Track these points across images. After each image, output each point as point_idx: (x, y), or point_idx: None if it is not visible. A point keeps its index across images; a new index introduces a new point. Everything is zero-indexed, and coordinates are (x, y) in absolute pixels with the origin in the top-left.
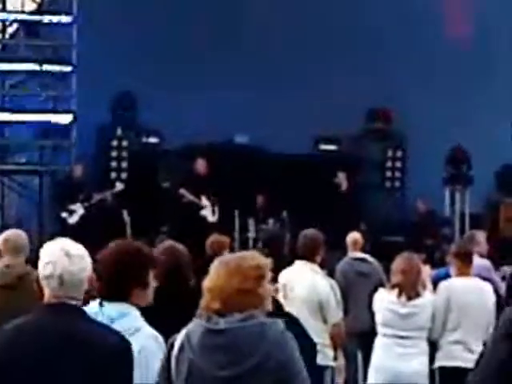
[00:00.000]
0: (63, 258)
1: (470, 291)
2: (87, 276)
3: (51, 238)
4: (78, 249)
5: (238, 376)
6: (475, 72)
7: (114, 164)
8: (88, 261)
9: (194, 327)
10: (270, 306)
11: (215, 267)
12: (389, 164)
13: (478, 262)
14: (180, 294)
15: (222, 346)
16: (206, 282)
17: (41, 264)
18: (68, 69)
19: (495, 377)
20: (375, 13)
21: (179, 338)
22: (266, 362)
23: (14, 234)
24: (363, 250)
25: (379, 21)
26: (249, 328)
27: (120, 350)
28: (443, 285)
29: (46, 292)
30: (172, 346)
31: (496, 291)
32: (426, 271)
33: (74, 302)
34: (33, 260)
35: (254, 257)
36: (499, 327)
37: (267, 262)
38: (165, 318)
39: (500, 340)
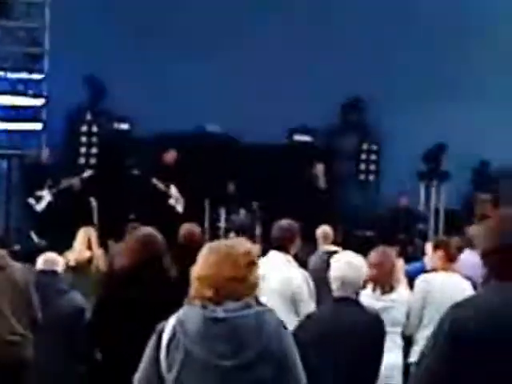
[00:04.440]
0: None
1: (449, 287)
2: None
3: (18, 226)
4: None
5: (240, 365)
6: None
7: (83, 149)
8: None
9: (188, 314)
10: (258, 293)
11: (205, 255)
12: (363, 157)
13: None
14: (159, 281)
15: (223, 335)
16: (197, 270)
17: None
18: (39, 51)
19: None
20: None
21: (169, 326)
22: (266, 350)
23: None
24: (335, 244)
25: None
26: (248, 317)
27: None
28: (421, 279)
29: None
30: (161, 334)
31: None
32: (400, 265)
33: None
34: None
35: (244, 244)
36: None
37: (256, 248)
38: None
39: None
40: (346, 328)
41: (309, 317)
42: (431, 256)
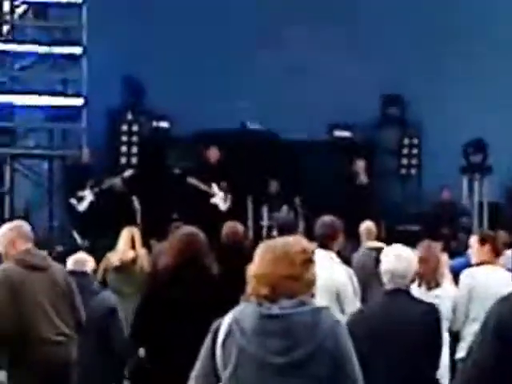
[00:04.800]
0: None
1: (494, 281)
2: None
3: (60, 226)
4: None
5: (293, 363)
6: (491, 57)
7: (124, 149)
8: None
9: (244, 312)
10: (314, 291)
11: (261, 253)
12: (405, 151)
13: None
14: (201, 280)
15: (278, 331)
16: (253, 269)
17: None
18: (78, 51)
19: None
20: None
21: (225, 323)
22: (321, 348)
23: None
24: (378, 240)
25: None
26: (303, 314)
27: None
28: (466, 273)
29: None
30: (217, 332)
31: None
32: (445, 260)
33: None
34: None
35: (300, 241)
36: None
37: (312, 246)
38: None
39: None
40: (397, 319)
41: (361, 311)
42: (477, 250)
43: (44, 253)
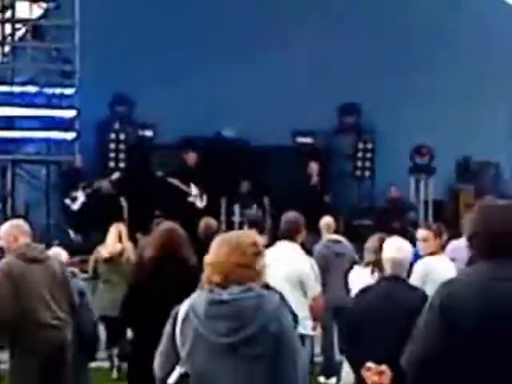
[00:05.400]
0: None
1: (442, 269)
2: None
3: (56, 223)
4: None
5: (238, 342)
6: (438, 72)
7: (112, 155)
8: None
9: (198, 299)
10: (264, 280)
11: (217, 244)
12: (360, 155)
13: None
14: (180, 271)
15: (226, 315)
16: (209, 258)
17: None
18: (71, 68)
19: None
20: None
21: (183, 309)
22: (264, 329)
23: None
24: (336, 233)
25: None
26: (249, 299)
27: None
28: (420, 262)
29: None
30: (176, 317)
31: None
32: None
33: None
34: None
35: (251, 235)
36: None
37: (262, 239)
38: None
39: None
40: (396, 301)
41: (363, 291)
42: (430, 242)
43: (42, 246)
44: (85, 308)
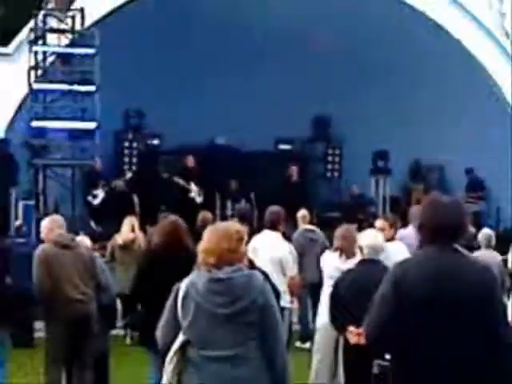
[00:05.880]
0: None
1: (398, 252)
2: None
3: (81, 217)
4: None
5: (234, 313)
6: (400, 87)
7: (126, 159)
8: None
9: (197, 277)
10: (246, 261)
11: (209, 233)
12: (329, 159)
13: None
14: (182, 255)
15: (222, 291)
16: (203, 244)
17: None
18: (92, 88)
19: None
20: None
21: (183, 286)
22: (253, 303)
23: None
24: (310, 223)
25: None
26: (241, 277)
27: None
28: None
29: None
30: (177, 292)
31: None
32: (358, 237)
33: None
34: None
35: (235, 225)
36: (388, 280)
37: (245, 228)
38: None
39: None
40: (373, 278)
41: (348, 271)
42: (383, 231)
43: (72, 236)
44: (106, 286)
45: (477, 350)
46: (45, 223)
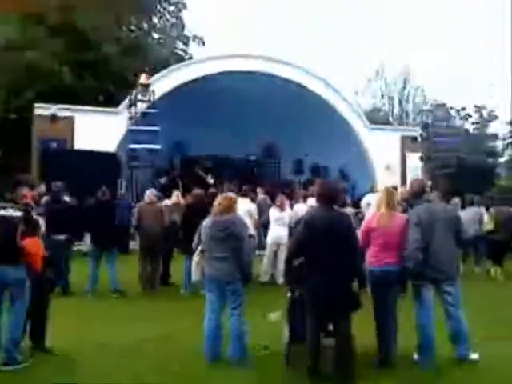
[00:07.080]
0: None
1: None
2: None
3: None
4: None
5: (225, 235)
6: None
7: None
8: None
9: (209, 219)
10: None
11: (219, 198)
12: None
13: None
14: (205, 211)
15: (221, 225)
16: (217, 202)
17: None
18: (156, 128)
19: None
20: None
21: (204, 223)
22: (236, 232)
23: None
24: (266, 194)
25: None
26: (231, 219)
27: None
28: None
29: None
30: (202, 225)
31: None
32: (287, 202)
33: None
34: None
35: (230, 194)
36: (303, 220)
37: (235, 196)
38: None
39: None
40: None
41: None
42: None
43: (155, 199)
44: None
45: (344, 256)
46: (147, 193)
